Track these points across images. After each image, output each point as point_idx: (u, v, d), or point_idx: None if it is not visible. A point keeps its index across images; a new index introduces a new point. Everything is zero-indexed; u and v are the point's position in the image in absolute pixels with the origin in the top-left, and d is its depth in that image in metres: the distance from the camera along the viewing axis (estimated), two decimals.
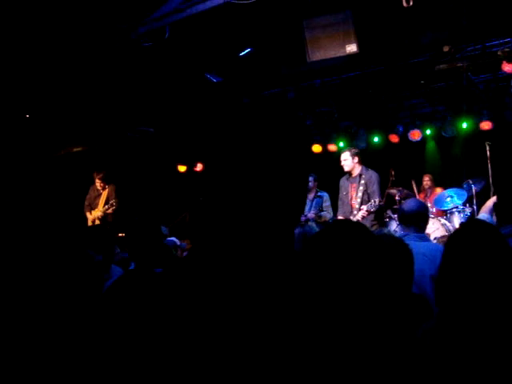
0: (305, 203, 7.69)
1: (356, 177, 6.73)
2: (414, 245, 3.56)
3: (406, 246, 2.57)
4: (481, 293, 1.80)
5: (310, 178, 8.17)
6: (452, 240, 2.07)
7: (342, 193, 6.97)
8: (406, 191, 8.26)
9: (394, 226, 7.33)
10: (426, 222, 4.01)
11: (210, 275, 1.11)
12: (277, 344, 1.02)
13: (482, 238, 1.95)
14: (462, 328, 1.69)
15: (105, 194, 8.43)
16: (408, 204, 4.00)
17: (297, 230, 3.85)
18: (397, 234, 3.77)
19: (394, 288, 2.07)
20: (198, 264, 1.20)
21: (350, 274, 1.35)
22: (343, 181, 7.00)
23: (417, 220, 3.85)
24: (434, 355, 1.67)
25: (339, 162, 6.89)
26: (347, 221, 1.77)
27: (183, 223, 9.23)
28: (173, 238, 4.53)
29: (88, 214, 8.43)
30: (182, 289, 1.15)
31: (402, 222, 3.96)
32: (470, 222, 2.13)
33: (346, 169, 6.78)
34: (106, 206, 8.21)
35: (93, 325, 1.78)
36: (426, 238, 3.95)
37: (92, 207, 8.49)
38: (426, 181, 9.06)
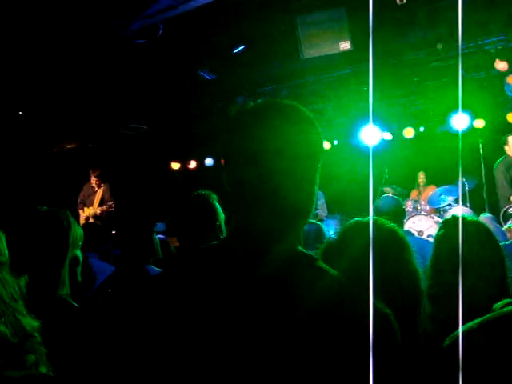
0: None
1: None
2: None
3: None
4: (470, 285, 1.80)
5: None
6: (441, 234, 2.05)
7: None
8: (399, 189, 8.28)
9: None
10: (404, 217, 4.01)
11: (202, 272, 1.10)
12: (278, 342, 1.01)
13: (468, 231, 1.94)
14: (452, 321, 1.67)
15: (100, 192, 8.37)
16: (383, 202, 4.00)
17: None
18: None
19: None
20: (189, 261, 1.18)
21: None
22: None
23: (395, 216, 3.84)
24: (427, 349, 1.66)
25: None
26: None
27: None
28: (161, 236, 4.52)
29: (81, 212, 8.37)
30: (175, 286, 1.13)
31: None
32: (454, 218, 2.12)
33: None
34: (105, 207, 8.14)
35: (85, 322, 1.77)
36: (411, 234, 3.97)
37: (85, 204, 8.43)
38: (422, 178, 9.08)
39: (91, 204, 8.35)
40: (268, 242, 1.09)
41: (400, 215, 3.91)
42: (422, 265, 3.38)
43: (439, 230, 2.13)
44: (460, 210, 4.98)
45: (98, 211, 8.19)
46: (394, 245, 1.70)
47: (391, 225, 1.80)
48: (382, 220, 1.78)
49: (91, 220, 8.17)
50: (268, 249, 1.07)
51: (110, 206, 8.11)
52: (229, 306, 1.02)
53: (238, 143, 1.11)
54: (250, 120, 1.13)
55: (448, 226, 2.09)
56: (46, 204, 2.04)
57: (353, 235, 1.69)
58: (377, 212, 3.97)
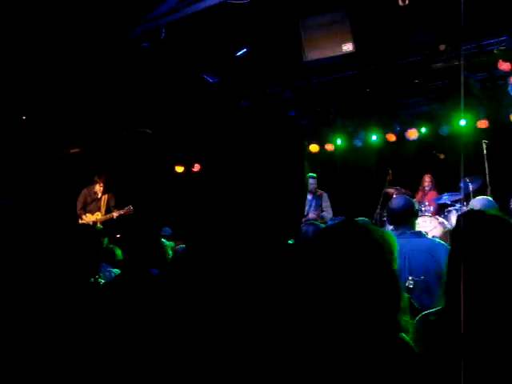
0: (305, 203, 8.15)
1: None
2: (414, 242, 3.56)
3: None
4: (490, 282, 1.76)
5: (312, 180, 8.25)
6: (458, 231, 1.97)
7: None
8: (403, 190, 8.26)
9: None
10: (416, 217, 3.99)
11: (208, 275, 1.10)
12: (276, 341, 1.02)
13: (489, 227, 1.87)
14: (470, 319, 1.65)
15: (105, 198, 8.32)
16: (395, 202, 3.97)
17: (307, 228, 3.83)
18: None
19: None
20: (195, 264, 1.19)
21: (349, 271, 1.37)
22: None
23: (407, 216, 3.82)
24: (438, 346, 1.65)
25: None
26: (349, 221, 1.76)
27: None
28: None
29: (84, 217, 8.30)
30: (178, 288, 1.14)
31: (393, 222, 3.92)
32: (471, 213, 2.03)
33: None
34: (122, 211, 8.06)
35: (85, 322, 1.78)
36: (423, 234, 3.94)
37: (87, 210, 8.34)
38: (428, 181, 9.01)
39: (96, 210, 8.30)
40: (269, 244, 1.10)
41: (413, 215, 3.88)
42: (434, 266, 3.37)
43: (457, 224, 2.03)
44: (482, 200, 4.87)
45: (115, 215, 8.11)
46: (368, 246, 1.68)
47: (369, 226, 1.78)
48: (358, 222, 1.77)
49: (99, 225, 8.13)
50: (268, 250, 1.08)
51: (129, 209, 8.05)
52: (229, 309, 1.02)
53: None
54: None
55: (466, 221, 1.97)
56: (50, 208, 2.05)
57: (325, 239, 1.69)
58: (389, 212, 3.96)
